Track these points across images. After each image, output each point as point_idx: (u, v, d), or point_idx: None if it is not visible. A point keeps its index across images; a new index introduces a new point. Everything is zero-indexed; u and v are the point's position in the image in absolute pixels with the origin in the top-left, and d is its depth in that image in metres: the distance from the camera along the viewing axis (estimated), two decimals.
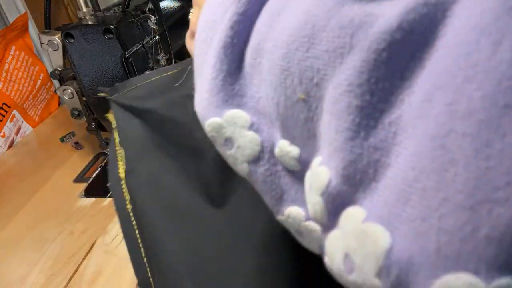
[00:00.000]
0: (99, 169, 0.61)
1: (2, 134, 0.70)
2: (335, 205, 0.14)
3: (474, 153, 0.10)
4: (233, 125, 0.19)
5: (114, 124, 0.33)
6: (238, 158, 0.19)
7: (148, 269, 0.29)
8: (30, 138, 0.76)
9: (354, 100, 0.13)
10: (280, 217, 0.19)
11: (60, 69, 0.54)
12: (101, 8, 0.54)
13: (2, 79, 0.70)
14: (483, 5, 0.11)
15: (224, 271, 0.27)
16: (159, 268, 0.29)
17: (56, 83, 0.70)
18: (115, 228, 0.50)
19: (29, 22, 0.75)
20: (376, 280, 0.12)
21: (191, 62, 0.32)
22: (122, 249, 0.45)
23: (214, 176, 0.30)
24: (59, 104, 0.85)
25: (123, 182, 0.31)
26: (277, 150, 0.18)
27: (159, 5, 0.53)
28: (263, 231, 0.27)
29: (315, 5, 0.15)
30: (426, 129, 0.12)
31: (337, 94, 0.14)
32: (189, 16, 0.30)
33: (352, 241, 0.13)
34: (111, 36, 0.47)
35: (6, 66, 0.71)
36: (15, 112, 0.73)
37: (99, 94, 0.50)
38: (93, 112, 0.55)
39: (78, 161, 0.65)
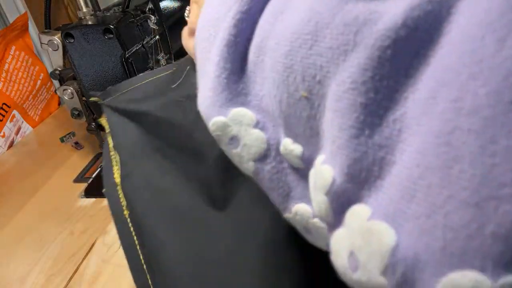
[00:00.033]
0: (99, 169, 0.61)
1: (2, 134, 0.70)
2: (340, 203, 0.14)
3: (480, 150, 0.10)
4: (238, 124, 0.19)
5: (107, 129, 0.32)
6: (244, 157, 0.19)
7: (148, 276, 0.28)
8: (30, 138, 0.76)
9: (358, 97, 0.13)
10: (287, 215, 0.19)
11: (60, 69, 0.54)
12: (101, 8, 0.54)
13: (2, 79, 0.70)
14: (487, 2, 0.11)
15: (229, 273, 0.27)
16: (161, 274, 0.28)
17: (56, 83, 0.70)
18: (115, 228, 0.50)
19: (29, 22, 0.75)
20: (381, 278, 0.12)
21: (186, 62, 0.31)
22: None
23: (215, 177, 0.29)
24: (59, 104, 0.85)
25: (118, 187, 0.30)
26: (281, 148, 0.18)
27: (159, 5, 0.53)
28: (266, 232, 0.27)
29: (318, 2, 0.15)
30: (431, 126, 0.12)
31: (340, 91, 0.14)
32: (186, 14, 0.30)
33: (357, 239, 0.13)
34: (111, 36, 0.47)
35: (6, 66, 0.71)
36: (15, 112, 0.73)
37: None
38: (93, 112, 0.55)
39: (78, 161, 0.65)
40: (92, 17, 0.50)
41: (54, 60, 0.53)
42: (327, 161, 0.15)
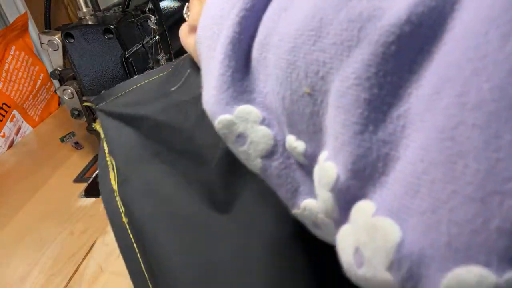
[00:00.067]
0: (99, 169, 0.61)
1: (2, 134, 0.70)
2: (345, 200, 0.14)
3: (484, 145, 0.10)
4: (244, 121, 0.19)
5: (102, 134, 0.31)
6: (251, 154, 0.19)
7: (150, 284, 0.28)
8: (30, 138, 0.76)
9: (362, 93, 0.13)
10: (296, 211, 0.19)
11: (60, 69, 0.54)
12: (101, 8, 0.54)
13: (2, 79, 0.70)
14: None
15: (236, 277, 0.26)
16: (165, 281, 0.27)
17: (56, 83, 0.70)
18: None
19: (29, 22, 0.75)
20: (387, 273, 0.12)
21: (183, 63, 0.31)
22: None
23: (218, 181, 0.28)
24: (59, 104, 0.85)
25: (116, 193, 0.30)
26: (286, 145, 0.18)
27: (159, 5, 0.53)
28: (271, 233, 0.27)
29: None
30: (435, 122, 0.12)
31: (344, 87, 0.14)
32: (184, 11, 0.29)
33: (362, 235, 0.13)
34: (111, 36, 0.47)
35: (6, 66, 0.71)
36: (15, 112, 0.73)
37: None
38: (93, 112, 0.55)
39: (78, 161, 0.65)
40: (92, 17, 0.50)
41: (54, 60, 0.53)
42: (330, 158, 0.15)
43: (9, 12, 0.79)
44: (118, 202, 0.29)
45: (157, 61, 0.53)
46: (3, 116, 0.71)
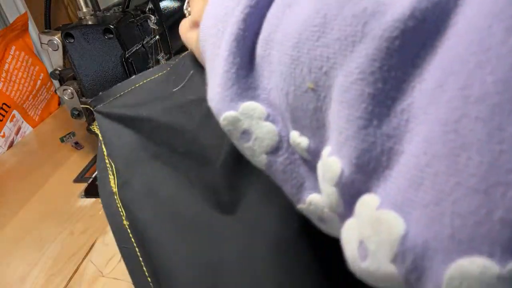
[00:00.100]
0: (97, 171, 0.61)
1: (2, 134, 0.70)
2: (350, 194, 0.14)
3: (487, 137, 0.10)
4: (249, 117, 0.19)
5: (100, 137, 0.31)
6: (256, 150, 0.19)
7: None
8: (30, 138, 0.76)
9: (366, 88, 0.13)
10: (301, 206, 0.19)
11: (60, 69, 0.54)
12: (101, 8, 0.54)
13: (2, 79, 0.70)
14: None
15: (243, 279, 0.26)
16: (169, 285, 0.27)
17: (56, 83, 0.70)
18: None
19: (29, 22, 0.75)
20: (391, 266, 0.13)
21: (184, 63, 0.30)
22: None
23: (222, 182, 0.28)
24: (59, 104, 0.85)
25: (116, 196, 0.29)
26: (290, 141, 0.18)
27: (159, 5, 0.53)
28: (276, 232, 0.26)
29: None
30: (438, 115, 0.12)
31: (348, 82, 0.14)
32: (185, 6, 0.29)
33: (367, 229, 0.13)
34: (111, 36, 0.47)
35: (6, 66, 0.71)
36: (15, 112, 0.73)
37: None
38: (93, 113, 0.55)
39: (78, 161, 0.65)
40: (92, 17, 0.50)
41: (54, 60, 0.53)
42: (334, 152, 0.15)
43: (9, 12, 0.79)
44: (119, 205, 0.29)
45: (157, 61, 0.53)
46: (3, 116, 0.71)
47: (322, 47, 0.15)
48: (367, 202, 0.14)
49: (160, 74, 0.31)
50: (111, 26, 0.46)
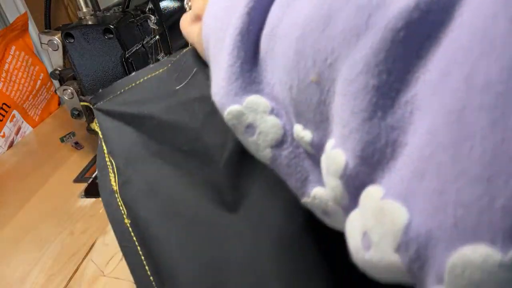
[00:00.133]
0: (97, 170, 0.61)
1: (2, 134, 0.70)
2: (355, 186, 0.14)
3: (491, 125, 0.10)
4: (253, 112, 0.19)
5: (100, 134, 0.30)
6: (261, 144, 0.19)
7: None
8: (30, 138, 0.76)
9: (370, 80, 0.13)
10: (305, 200, 0.19)
11: (60, 69, 0.54)
12: (101, 8, 0.54)
13: (2, 79, 0.70)
14: None
15: (249, 275, 0.26)
16: (174, 283, 0.26)
17: (56, 83, 0.70)
18: None
19: (29, 22, 0.75)
20: (394, 255, 0.13)
21: (183, 60, 0.30)
22: None
23: (225, 180, 0.28)
24: (59, 104, 0.85)
25: (117, 195, 0.29)
26: (294, 135, 0.18)
27: (159, 5, 0.53)
28: (280, 229, 0.26)
29: None
30: (442, 105, 0.12)
31: (352, 74, 0.14)
32: (186, 1, 0.29)
33: (370, 219, 0.14)
34: (111, 36, 0.47)
35: (6, 66, 0.71)
36: (15, 112, 0.74)
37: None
38: (93, 112, 0.55)
39: (78, 161, 0.65)
40: (92, 17, 0.50)
41: (54, 60, 0.53)
42: (338, 145, 0.15)
43: (9, 12, 0.79)
44: (120, 203, 0.29)
45: (157, 61, 0.53)
46: (3, 116, 0.71)
47: (327, 39, 0.15)
48: (371, 194, 0.14)
49: (161, 70, 0.31)
50: (111, 26, 0.46)
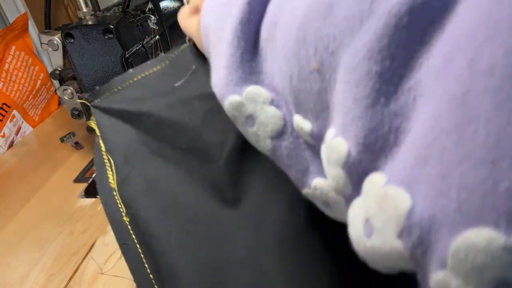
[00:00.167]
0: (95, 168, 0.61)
1: (2, 134, 0.70)
2: (358, 174, 0.14)
3: (495, 108, 0.10)
4: (253, 102, 0.19)
5: (98, 132, 0.30)
6: (261, 135, 0.19)
7: (156, 286, 0.27)
8: (30, 138, 0.76)
9: (373, 66, 0.13)
10: (306, 191, 0.19)
11: (60, 69, 0.54)
12: (101, 8, 0.54)
13: (2, 79, 0.70)
14: None
15: (252, 273, 0.26)
16: (174, 282, 0.26)
17: (56, 83, 0.70)
18: None
19: (29, 22, 0.75)
20: (397, 241, 0.13)
21: (182, 56, 0.30)
22: None
23: (225, 178, 0.28)
24: (59, 104, 0.85)
25: (115, 192, 0.28)
26: (294, 125, 0.18)
27: (159, 5, 0.53)
28: (282, 224, 0.26)
29: None
30: (446, 90, 0.12)
31: (355, 61, 0.14)
32: None
33: (373, 206, 0.13)
34: (111, 36, 0.47)
35: (6, 66, 0.71)
36: (15, 112, 0.73)
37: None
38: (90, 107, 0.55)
39: (78, 161, 0.65)
40: (92, 17, 0.50)
41: (54, 60, 0.53)
42: (339, 134, 0.15)
43: (9, 12, 0.79)
44: (118, 201, 0.28)
45: None
46: (3, 116, 0.71)
47: (330, 26, 0.14)
48: (374, 181, 0.14)
49: (159, 67, 0.31)
50: (111, 26, 0.46)
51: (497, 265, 0.10)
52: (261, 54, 0.19)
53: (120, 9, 0.51)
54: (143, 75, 0.30)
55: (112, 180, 0.29)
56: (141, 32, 0.52)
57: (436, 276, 0.12)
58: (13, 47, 0.73)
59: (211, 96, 0.21)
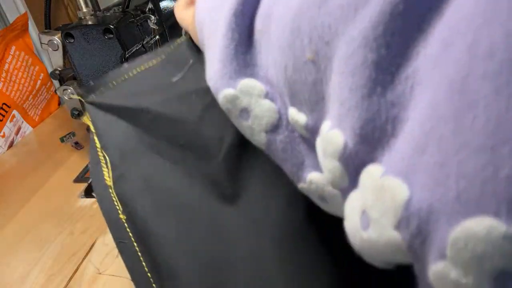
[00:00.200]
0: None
1: (2, 134, 0.70)
2: (355, 166, 0.14)
3: (494, 93, 0.10)
4: (248, 95, 0.19)
5: (92, 129, 0.29)
6: (255, 129, 0.19)
7: (154, 285, 0.26)
8: (30, 138, 0.76)
9: (369, 54, 0.13)
10: (302, 185, 0.19)
11: (60, 69, 0.54)
12: (101, 8, 0.54)
13: (2, 79, 0.70)
14: None
15: (251, 270, 0.26)
16: (173, 281, 0.26)
17: (56, 83, 0.70)
18: None
19: (29, 22, 0.75)
20: (395, 232, 0.12)
21: (178, 51, 0.29)
22: None
23: (224, 174, 0.27)
24: (59, 104, 0.85)
25: (111, 190, 0.28)
26: (289, 118, 0.18)
27: (159, 5, 0.53)
28: (281, 222, 0.26)
29: None
30: (444, 76, 0.11)
31: (350, 49, 0.13)
32: None
33: (370, 198, 0.13)
34: (111, 36, 0.47)
35: (6, 66, 0.71)
36: (15, 112, 0.73)
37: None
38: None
39: (78, 161, 0.65)
40: (92, 17, 0.50)
41: (54, 60, 0.53)
42: (335, 126, 0.15)
43: (9, 12, 0.79)
44: (114, 199, 0.28)
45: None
46: (3, 116, 0.71)
47: (324, 15, 0.14)
48: (371, 172, 0.14)
49: (155, 62, 0.30)
50: (111, 26, 0.46)
51: (498, 254, 0.10)
52: (256, 47, 0.19)
53: (120, 9, 0.51)
54: (138, 69, 0.30)
55: (108, 177, 0.28)
56: (141, 32, 0.52)
57: (435, 267, 0.11)
58: (13, 47, 0.73)
59: (209, 91, 0.20)
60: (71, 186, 0.59)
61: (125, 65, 0.30)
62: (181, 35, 0.29)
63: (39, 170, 0.64)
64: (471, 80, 0.11)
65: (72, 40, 0.48)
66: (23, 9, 0.78)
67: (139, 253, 0.27)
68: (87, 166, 0.63)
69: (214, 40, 0.20)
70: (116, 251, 0.45)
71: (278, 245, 0.26)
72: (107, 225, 0.28)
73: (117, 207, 0.27)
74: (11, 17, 0.78)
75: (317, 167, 0.17)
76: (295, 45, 0.16)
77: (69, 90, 0.54)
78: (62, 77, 0.54)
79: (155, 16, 0.51)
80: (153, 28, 0.52)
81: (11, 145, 0.73)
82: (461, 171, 0.11)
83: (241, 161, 0.27)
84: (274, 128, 0.18)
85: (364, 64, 0.13)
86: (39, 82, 0.79)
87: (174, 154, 0.29)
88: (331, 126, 0.15)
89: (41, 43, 0.52)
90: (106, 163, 0.28)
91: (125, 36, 0.48)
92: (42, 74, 0.79)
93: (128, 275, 0.27)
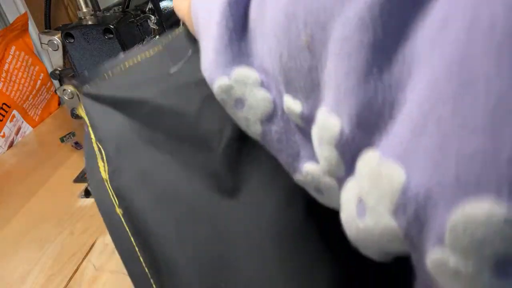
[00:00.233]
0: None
1: (2, 134, 0.70)
2: (351, 153, 0.14)
3: (495, 71, 0.10)
4: (243, 85, 0.18)
5: (87, 121, 0.28)
6: (250, 119, 0.19)
7: (152, 281, 0.26)
8: (30, 138, 0.76)
9: (365, 35, 0.12)
10: (298, 177, 0.19)
11: (60, 69, 0.54)
12: (101, 8, 0.54)
13: (2, 79, 0.70)
14: None
15: (251, 260, 0.25)
16: (172, 276, 0.26)
17: (56, 83, 0.70)
18: None
19: (29, 22, 0.75)
20: (391, 219, 0.12)
21: (176, 42, 0.28)
22: None
23: (223, 167, 0.27)
24: (59, 104, 0.85)
25: (107, 183, 0.27)
26: (285, 107, 0.17)
27: (159, 5, 0.53)
28: (280, 215, 0.26)
29: None
30: (442, 57, 0.11)
31: (345, 31, 0.13)
32: None
33: (366, 184, 0.13)
34: (111, 36, 0.47)
35: (6, 66, 0.71)
36: (15, 112, 0.73)
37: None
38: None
39: (78, 161, 0.65)
40: (92, 17, 0.50)
41: (54, 60, 0.53)
42: (331, 111, 0.14)
43: (9, 12, 0.79)
44: (110, 193, 0.27)
45: None
46: (3, 116, 0.71)
47: None
48: (367, 159, 0.13)
49: (152, 52, 0.29)
50: (111, 26, 0.46)
51: (498, 239, 0.10)
52: (250, 36, 0.18)
53: (120, 9, 0.51)
54: (135, 60, 0.29)
55: (104, 171, 0.27)
56: (141, 32, 0.52)
57: (433, 254, 0.11)
58: (13, 47, 0.73)
59: None
60: (71, 186, 0.59)
61: (121, 55, 0.29)
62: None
63: (39, 170, 0.64)
64: (470, 58, 0.10)
65: (72, 40, 0.48)
66: (23, 9, 0.78)
67: (136, 248, 0.26)
68: None
69: (209, 30, 0.19)
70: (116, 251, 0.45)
71: (278, 242, 0.26)
72: (103, 219, 0.27)
73: (114, 202, 0.27)
74: (11, 17, 0.78)
75: (313, 157, 0.17)
76: (291, 31, 0.15)
77: (69, 90, 0.54)
78: (62, 77, 0.54)
79: (155, 16, 0.51)
80: (153, 28, 0.52)
81: (11, 145, 0.73)
82: (461, 152, 0.10)
83: (241, 154, 0.27)
84: (269, 118, 0.18)
85: (360, 46, 0.13)
86: (39, 82, 0.79)
87: (172, 146, 0.28)
88: (328, 111, 0.14)
89: (41, 43, 0.52)
90: (101, 157, 0.28)
91: (125, 36, 0.48)
92: (42, 74, 0.79)
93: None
